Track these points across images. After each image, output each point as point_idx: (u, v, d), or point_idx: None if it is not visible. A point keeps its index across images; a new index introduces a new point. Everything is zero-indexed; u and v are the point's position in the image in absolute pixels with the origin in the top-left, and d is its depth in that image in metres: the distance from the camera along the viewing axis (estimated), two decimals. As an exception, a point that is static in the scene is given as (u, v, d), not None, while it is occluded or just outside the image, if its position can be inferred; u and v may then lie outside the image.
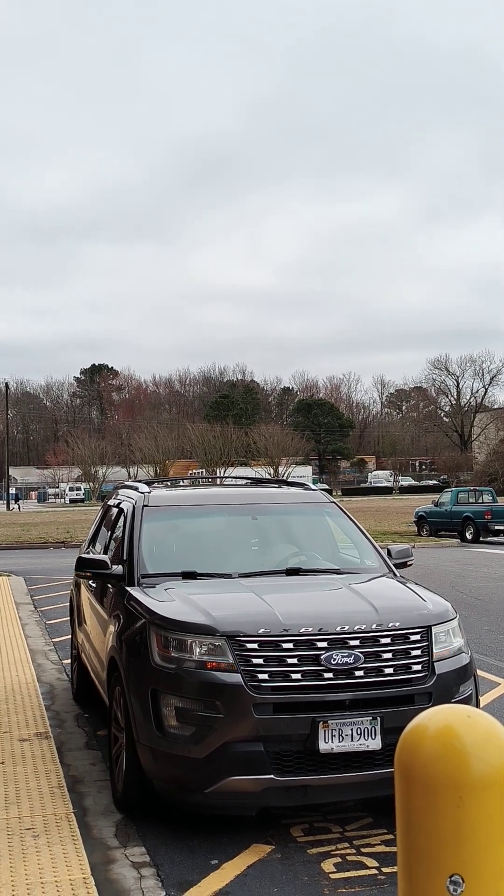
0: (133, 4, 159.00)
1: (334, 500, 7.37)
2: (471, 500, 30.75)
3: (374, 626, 5.04)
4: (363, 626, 5.02)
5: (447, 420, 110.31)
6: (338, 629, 4.97)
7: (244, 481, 8.68)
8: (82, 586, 7.77)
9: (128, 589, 5.82)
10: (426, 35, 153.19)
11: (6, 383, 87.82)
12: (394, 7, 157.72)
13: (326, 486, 74.15)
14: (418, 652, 5.08)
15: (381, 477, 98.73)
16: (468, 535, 28.77)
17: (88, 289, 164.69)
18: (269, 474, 73.81)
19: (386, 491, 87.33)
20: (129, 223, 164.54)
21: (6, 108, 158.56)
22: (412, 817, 2.23)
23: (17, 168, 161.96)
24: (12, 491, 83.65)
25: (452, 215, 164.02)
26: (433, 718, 2.27)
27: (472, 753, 2.18)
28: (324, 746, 4.72)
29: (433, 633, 5.17)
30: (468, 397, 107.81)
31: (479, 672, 5.86)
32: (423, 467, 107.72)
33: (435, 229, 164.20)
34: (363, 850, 4.78)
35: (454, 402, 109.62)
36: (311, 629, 4.93)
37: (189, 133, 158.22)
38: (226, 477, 12.34)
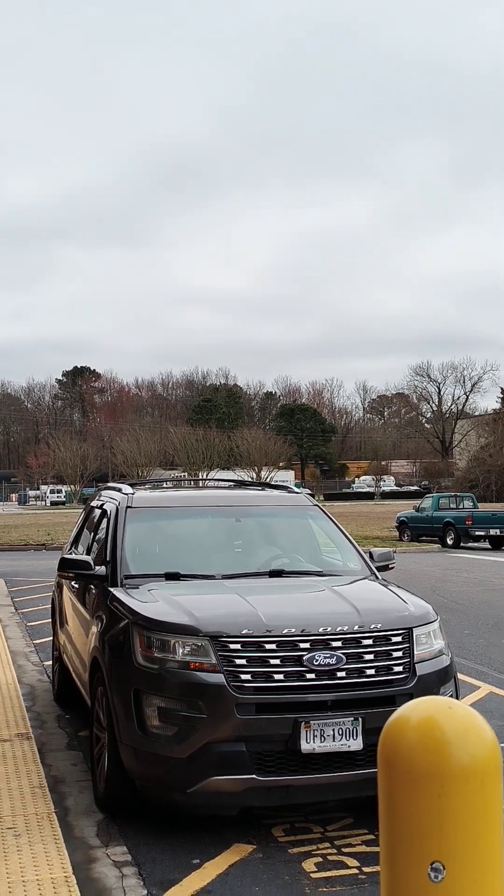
0: (103, 11, 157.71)
1: (317, 503, 7.41)
2: (452, 506, 30.98)
3: (356, 628, 5.07)
4: (345, 628, 5.05)
5: (429, 426, 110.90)
6: (320, 630, 5.00)
7: (228, 483, 8.70)
8: (64, 587, 7.76)
9: (111, 590, 5.83)
10: (397, 45, 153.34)
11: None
12: (364, 17, 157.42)
13: (310, 490, 74.27)
14: (399, 653, 5.12)
15: (363, 483, 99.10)
16: (449, 541, 28.93)
17: (63, 291, 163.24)
18: (252, 478, 73.71)
19: (368, 496, 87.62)
20: (100, 226, 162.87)
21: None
22: (394, 806, 2.28)
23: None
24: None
25: (426, 223, 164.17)
26: (415, 710, 2.32)
27: (454, 744, 2.22)
28: (305, 747, 4.75)
29: (414, 634, 5.21)
30: (449, 404, 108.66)
31: (459, 675, 5.91)
32: (412, 474, 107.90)
33: (409, 237, 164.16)
34: (344, 849, 4.81)
35: (436, 409, 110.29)
36: (293, 630, 4.96)
37: (159, 139, 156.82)
38: (209, 479, 12.34)
